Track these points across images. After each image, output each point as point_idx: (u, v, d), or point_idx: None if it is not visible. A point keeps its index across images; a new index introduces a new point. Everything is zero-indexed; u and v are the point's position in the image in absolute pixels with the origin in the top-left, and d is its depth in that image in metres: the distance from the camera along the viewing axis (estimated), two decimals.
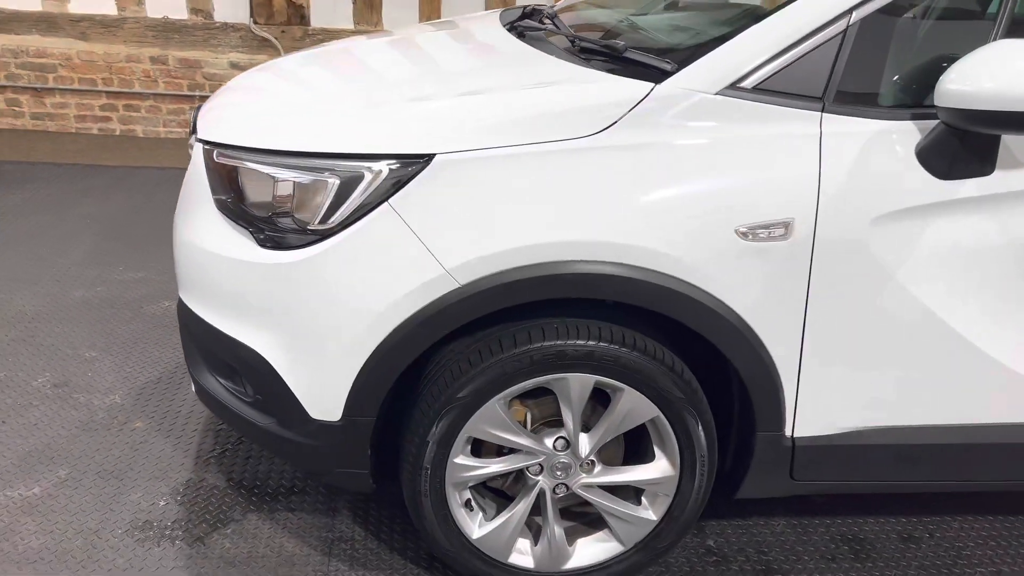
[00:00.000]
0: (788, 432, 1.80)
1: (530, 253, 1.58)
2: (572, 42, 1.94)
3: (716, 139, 1.61)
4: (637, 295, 1.61)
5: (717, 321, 1.65)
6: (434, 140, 1.60)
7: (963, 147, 1.60)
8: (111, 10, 5.71)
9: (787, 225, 1.60)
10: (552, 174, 1.59)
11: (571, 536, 1.94)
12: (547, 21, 2.17)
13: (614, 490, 1.89)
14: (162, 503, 2.13)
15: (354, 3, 5.71)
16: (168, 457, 2.31)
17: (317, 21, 5.68)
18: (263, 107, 1.90)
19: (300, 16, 5.63)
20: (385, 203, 1.59)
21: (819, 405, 1.78)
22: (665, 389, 1.71)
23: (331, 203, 1.61)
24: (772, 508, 2.26)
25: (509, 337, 1.68)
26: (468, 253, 1.57)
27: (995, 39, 1.60)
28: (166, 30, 5.56)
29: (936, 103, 1.55)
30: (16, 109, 5.36)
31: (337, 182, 1.61)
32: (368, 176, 1.60)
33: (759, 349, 1.69)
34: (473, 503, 1.87)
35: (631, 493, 1.90)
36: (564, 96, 1.66)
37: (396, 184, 1.59)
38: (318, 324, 1.66)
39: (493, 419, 1.73)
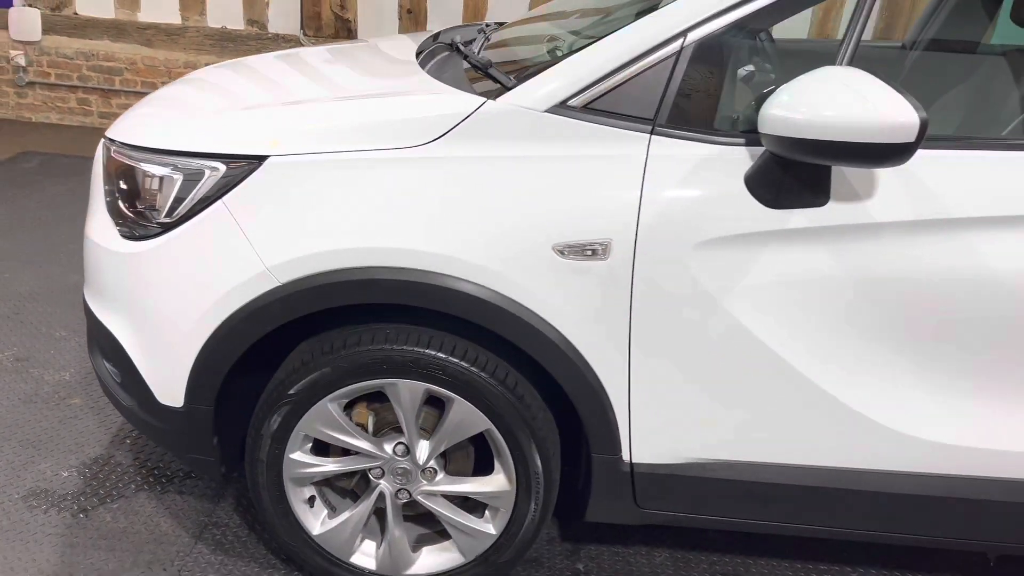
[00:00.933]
0: (626, 457, 1.77)
1: (346, 257, 1.62)
2: (465, 59, 1.98)
3: (538, 156, 1.61)
4: (454, 306, 1.63)
5: (538, 338, 1.64)
6: (268, 144, 1.67)
7: (790, 176, 1.55)
8: (175, 19, 6.07)
9: (605, 246, 1.59)
10: (376, 181, 1.63)
11: (422, 543, 1.96)
12: (475, 38, 2.21)
13: (463, 501, 1.90)
14: (64, 474, 2.27)
15: (399, 17, 5.88)
16: (90, 433, 2.45)
17: (364, 33, 5.88)
18: (155, 110, 2.01)
19: (347, 29, 5.84)
20: (220, 200, 1.67)
21: (656, 432, 1.74)
22: (494, 403, 1.72)
23: (175, 198, 1.70)
24: (658, 538, 2.20)
25: (340, 339, 1.73)
26: (288, 253, 1.63)
27: (842, 62, 1.55)
28: (223, 39, 5.88)
29: (759, 130, 1.51)
30: (86, 108, 5.77)
31: (181, 178, 1.70)
32: (207, 173, 1.68)
33: (584, 369, 1.67)
34: (319, 500, 1.92)
35: (480, 505, 1.90)
36: (398, 106, 1.70)
37: (232, 183, 1.66)
38: (160, 312, 1.75)
39: (326, 419, 1.78)
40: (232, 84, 2.08)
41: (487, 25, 2.47)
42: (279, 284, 1.64)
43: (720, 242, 1.58)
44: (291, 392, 1.74)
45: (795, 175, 1.54)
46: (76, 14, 6.19)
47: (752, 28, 1.63)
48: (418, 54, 2.10)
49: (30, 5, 6.03)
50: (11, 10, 5.77)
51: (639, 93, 1.60)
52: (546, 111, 1.62)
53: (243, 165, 1.66)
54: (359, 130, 1.66)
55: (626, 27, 1.63)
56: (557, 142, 1.61)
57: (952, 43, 2.59)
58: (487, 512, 1.89)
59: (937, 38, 2.67)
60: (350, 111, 1.71)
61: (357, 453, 1.83)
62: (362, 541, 1.94)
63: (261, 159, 1.66)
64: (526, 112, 1.63)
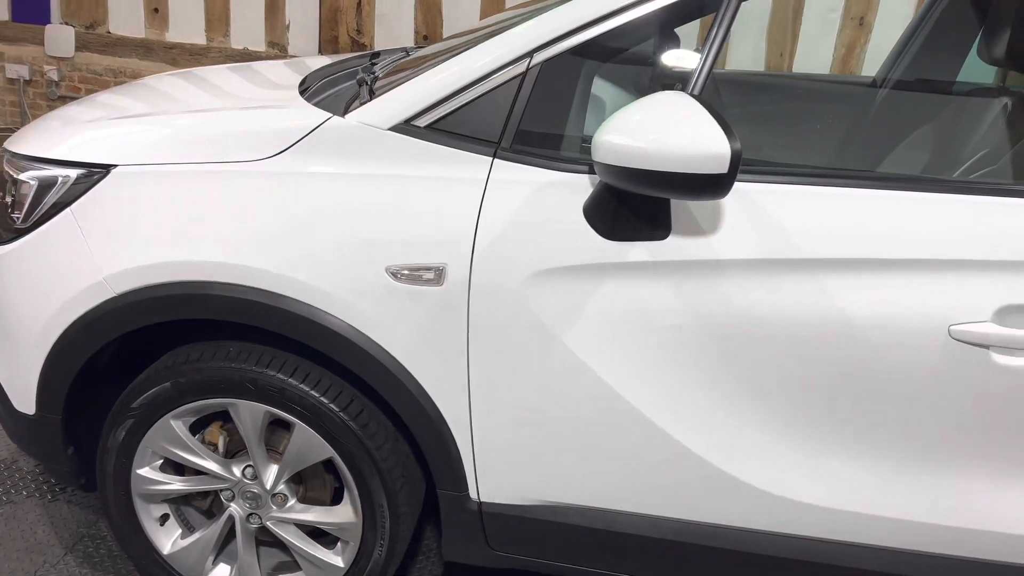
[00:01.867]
0: (473, 495, 1.68)
1: (179, 270, 1.58)
2: (351, 76, 1.94)
3: (377, 174, 1.55)
4: (284, 326, 1.58)
5: (372, 364, 1.58)
6: (117, 152, 1.65)
7: (626, 206, 1.46)
8: (200, 39, 6.23)
9: (440, 271, 1.52)
10: (214, 194, 1.59)
11: (282, 571, 1.90)
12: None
13: (318, 531, 1.84)
14: None
15: (415, 42, 5.93)
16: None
17: None
18: (48, 120, 2.02)
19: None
20: (68, 208, 1.66)
21: (503, 471, 1.65)
22: (334, 430, 1.66)
23: (31, 203, 1.70)
24: None
25: (185, 354, 1.69)
26: (125, 263, 1.61)
27: (692, 91, 1.46)
28: (244, 60, 6.00)
29: (592, 156, 1.42)
30: None
31: (36, 184, 1.69)
32: (60, 181, 1.67)
33: (423, 401, 1.60)
34: (174, 518, 1.87)
35: (336, 537, 1.83)
36: (243, 119, 1.68)
37: (81, 191, 1.65)
38: (12, 317, 1.74)
39: (170, 436, 1.74)
40: (132, 95, 2.08)
41: (417, 46, 2.43)
42: (114, 295, 1.62)
43: (557, 273, 1.50)
44: (134, 406, 1.71)
45: (631, 206, 1.45)
46: (109, 32, 6.41)
47: (602, 51, 1.56)
48: (319, 73, 2.07)
49: (66, 23, 6.27)
50: (48, 27, 6.02)
51: (483, 115, 1.54)
52: (389, 129, 1.57)
53: (92, 173, 1.65)
54: (206, 142, 1.63)
55: (475, 47, 1.57)
56: (398, 161, 1.56)
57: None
58: (339, 544, 1.81)
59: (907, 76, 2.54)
60: (200, 123, 1.69)
61: (203, 473, 1.79)
62: (215, 564, 1.88)
63: (109, 168, 1.64)
64: (369, 130, 1.58)
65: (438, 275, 1.52)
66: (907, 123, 2.34)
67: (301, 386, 1.64)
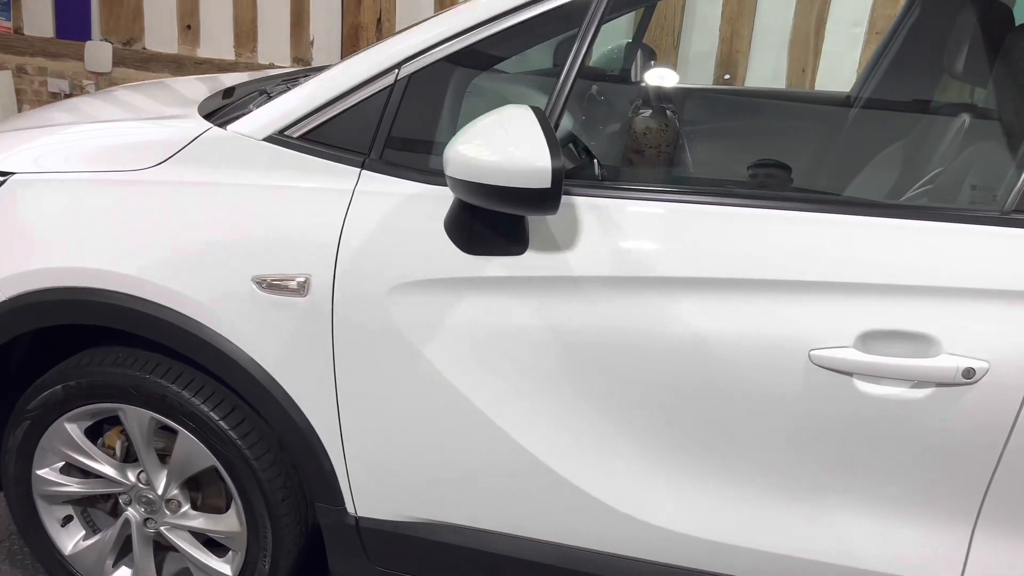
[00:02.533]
0: (351, 510, 1.67)
1: (59, 276, 1.62)
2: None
3: (249, 183, 1.56)
4: (155, 332, 1.60)
5: (240, 372, 1.58)
6: (14, 161, 1.70)
7: (480, 220, 1.43)
8: (230, 55, 6.41)
9: (304, 282, 1.52)
10: (97, 203, 1.63)
11: None
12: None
13: (211, 539, 1.84)
14: None
15: None
16: None
17: None
18: None
19: None
20: None
21: (376, 485, 1.63)
22: (213, 438, 1.66)
23: None
24: None
25: (79, 359, 1.73)
26: (12, 268, 1.65)
27: (552, 106, 1.43)
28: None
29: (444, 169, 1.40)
30: None
31: None
32: None
33: (292, 412, 1.59)
34: (78, 520, 1.90)
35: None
36: (134, 131, 1.71)
37: None
38: None
39: (65, 439, 1.77)
40: (65, 107, 2.13)
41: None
42: (3, 300, 1.66)
43: (419, 286, 1.48)
44: (29, 408, 1.75)
45: (486, 220, 1.43)
46: (144, 49, 6.64)
47: (470, 64, 1.54)
48: (246, 87, 2.10)
49: (105, 40, 6.53)
50: (88, 44, 6.28)
51: (353, 126, 1.54)
52: (263, 140, 1.58)
53: None
54: (96, 153, 1.67)
55: (348, 59, 1.57)
56: (269, 171, 1.56)
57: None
58: (230, 553, 1.82)
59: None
60: (93, 134, 1.73)
61: (99, 477, 1.82)
62: (116, 568, 1.90)
63: (7, 175, 1.69)
64: (244, 140, 1.59)
65: (302, 286, 1.52)
66: (869, 141, 2.26)
67: (181, 393, 1.66)
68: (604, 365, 1.43)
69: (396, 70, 1.52)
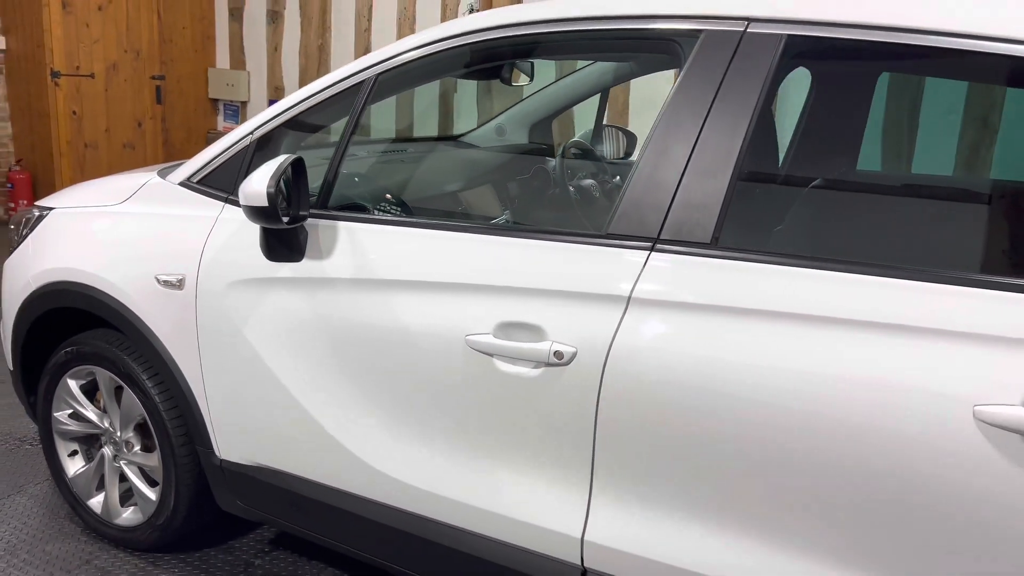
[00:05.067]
0: (217, 453, 2.27)
1: (60, 274, 2.42)
2: None
3: (162, 213, 2.28)
4: (104, 312, 2.33)
5: (148, 345, 2.27)
6: (56, 202, 2.57)
7: (273, 235, 2.01)
8: None
9: (181, 279, 2.19)
10: (85, 227, 2.43)
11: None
12: None
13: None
14: None
15: None
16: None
17: None
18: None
19: None
20: (31, 233, 2.59)
21: (229, 435, 2.22)
22: (143, 395, 2.35)
23: (24, 228, 2.66)
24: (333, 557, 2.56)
25: (77, 336, 2.51)
26: (41, 268, 2.48)
27: (339, 153, 2.02)
28: None
29: None
30: None
31: (29, 216, 2.65)
32: (36, 215, 2.61)
33: (177, 375, 2.25)
34: (81, 453, 2.66)
35: None
36: (118, 180, 2.51)
37: (38, 220, 2.58)
38: (6, 303, 2.69)
39: (68, 391, 2.55)
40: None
41: None
42: (34, 288, 2.50)
43: (242, 283, 2.09)
44: (48, 366, 2.56)
45: (276, 235, 2.01)
46: None
47: (298, 128, 2.16)
48: None
49: None
50: None
51: (225, 174, 2.21)
52: (178, 184, 2.30)
53: (44, 211, 2.58)
54: (96, 193, 2.49)
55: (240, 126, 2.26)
56: (175, 205, 2.27)
57: None
58: (158, 486, 2.48)
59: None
60: (100, 183, 2.56)
61: (88, 420, 2.57)
62: (98, 491, 2.63)
63: (51, 209, 2.56)
64: (168, 185, 2.32)
65: (180, 282, 2.19)
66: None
67: (126, 359, 2.37)
68: (349, 344, 1.94)
69: (251, 134, 2.18)
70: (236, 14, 7.09)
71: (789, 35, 1.60)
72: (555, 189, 2.45)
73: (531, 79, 2.72)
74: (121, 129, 6.71)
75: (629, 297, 1.63)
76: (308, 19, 6.68)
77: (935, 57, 1.63)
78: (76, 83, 6.39)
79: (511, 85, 2.60)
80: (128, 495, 2.59)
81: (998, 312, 1.35)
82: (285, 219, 1.91)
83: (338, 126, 2.11)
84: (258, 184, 1.85)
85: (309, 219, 1.99)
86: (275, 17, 6.85)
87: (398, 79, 2.05)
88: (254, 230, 2.08)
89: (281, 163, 1.89)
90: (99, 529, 2.61)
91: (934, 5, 1.49)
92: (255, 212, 1.88)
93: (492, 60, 2.22)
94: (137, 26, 6.69)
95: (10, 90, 6.64)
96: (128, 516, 2.57)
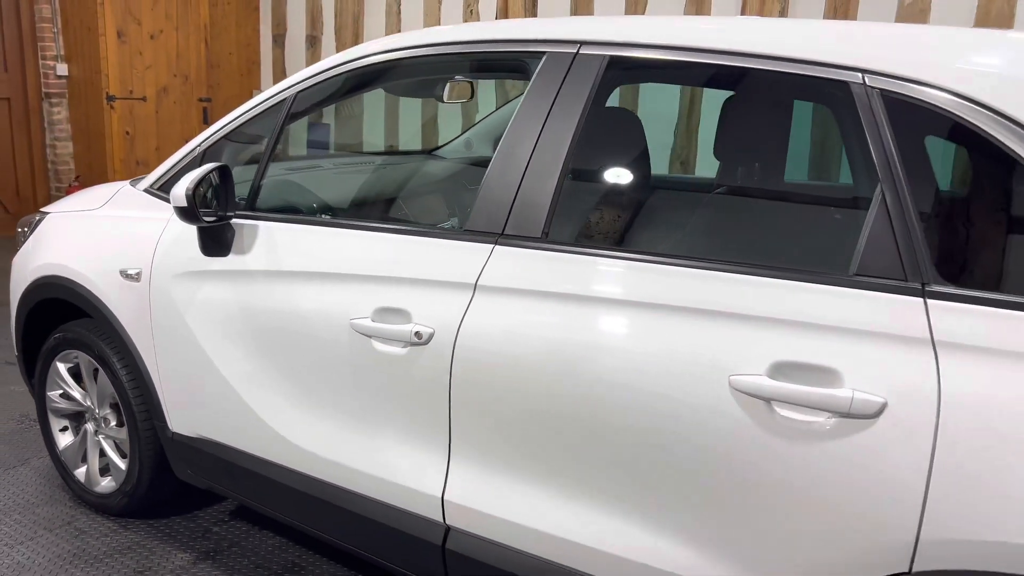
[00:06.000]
0: (170, 426, 2.57)
1: (50, 268, 2.78)
2: None
3: (128, 216, 2.62)
4: (80, 302, 2.68)
5: (113, 330, 2.60)
6: (53, 208, 2.94)
7: (205, 233, 2.31)
8: None
9: (138, 273, 2.51)
10: (70, 227, 2.79)
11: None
12: None
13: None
14: None
15: None
16: None
17: None
18: None
19: None
20: (31, 235, 2.97)
21: (178, 410, 2.53)
22: (114, 377, 2.69)
23: (30, 229, 3.05)
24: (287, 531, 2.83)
25: (65, 325, 2.87)
26: (37, 263, 2.85)
27: (264, 162, 2.32)
28: None
29: None
30: None
31: (33, 219, 3.04)
32: (37, 218, 3.00)
33: (137, 357, 2.57)
34: (71, 429, 3.01)
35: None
36: (101, 189, 2.86)
37: (38, 223, 2.96)
38: (13, 296, 3.07)
39: (56, 373, 2.91)
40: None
41: None
42: (30, 282, 2.86)
43: (183, 276, 2.40)
44: (42, 350, 2.92)
45: (206, 233, 2.31)
46: None
47: (237, 139, 2.46)
48: None
49: None
50: None
51: (177, 180, 2.53)
52: (143, 190, 2.63)
53: (43, 215, 2.96)
54: (83, 200, 2.85)
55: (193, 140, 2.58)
56: (137, 209, 2.61)
57: None
58: (127, 458, 2.80)
59: None
60: (89, 191, 2.92)
61: (73, 400, 2.92)
62: (83, 463, 2.97)
63: (47, 214, 2.94)
64: (135, 191, 2.66)
65: (138, 275, 2.51)
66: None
67: (101, 344, 2.71)
68: (263, 329, 2.22)
69: (200, 145, 2.49)
70: (279, 40, 7.57)
71: (611, 55, 1.82)
72: (436, 192, 2.70)
73: (471, 97, 2.98)
74: (170, 147, 7.23)
75: (475, 284, 1.86)
76: (343, 43, 7.10)
77: (706, 70, 1.83)
78: (129, 106, 6.93)
79: (443, 102, 2.86)
80: (108, 467, 2.92)
81: (749, 295, 1.54)
82: (211, 219, 2.22)
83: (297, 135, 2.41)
84: (180, 188, 2.15)
85: (235, 219, 2.29)
86: (313, 42, 7.30)
87: (313, 96, 2.33)
88: (194, 229, 2.39)
89: (204, 170, 2.19)
90: (82, 496, 2.96)
91: (711, 32, 1.71)
92: (180, 211, 2.18)
93: (384, 79, 2.50)
94: (186, 53, 7.23)
95: (72, 113, 7.24)
96: (105, 484, 2.90)
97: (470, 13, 6.42)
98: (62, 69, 7.07)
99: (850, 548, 1.44)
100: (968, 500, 1.33)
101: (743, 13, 5.36)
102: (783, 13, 5.27)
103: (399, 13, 6.71)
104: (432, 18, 6.49)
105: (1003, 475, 1.30)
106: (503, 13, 6.31)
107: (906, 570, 1.39)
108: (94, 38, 6.72)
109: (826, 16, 5.25)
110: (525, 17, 5.88)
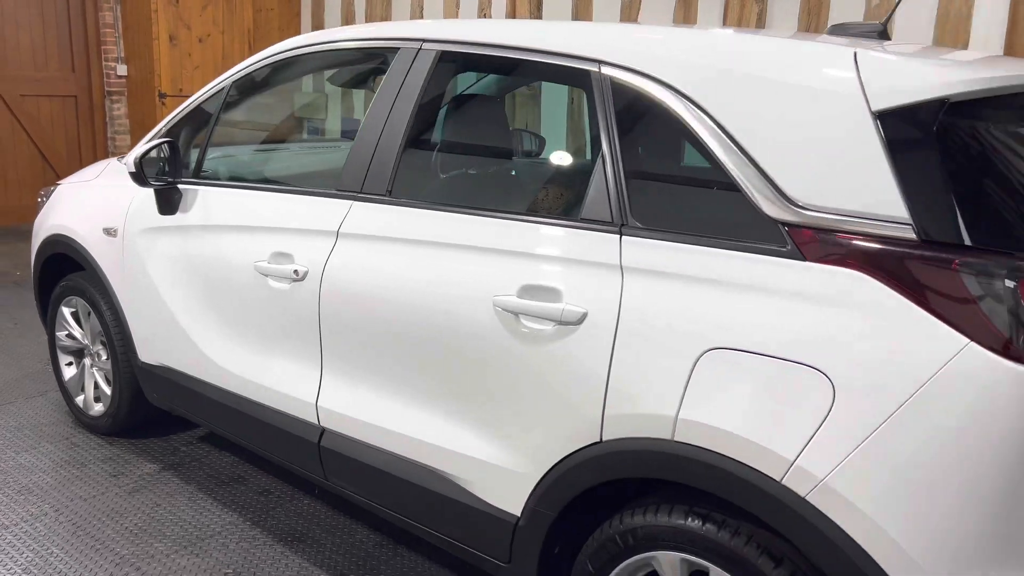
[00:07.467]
0: (140, 356, 3.14)
1: (56, 228, 3.39)
2: None
3: (110, 184, 3.21)
4: (75, 255, 3.27)
5: (98, 278, 3.18)
6: (65, 179, 3.56)
7: (158, 195, 2.87)
8: None
9: (115, 229, 3.09)
10: (72, 195, 3.39)
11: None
12: None
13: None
14: None
15: None
16: None
17: None
18: None
19: None
20: (49, 198, 3.60)
21: (144, 343, 3.09)
22: (102, 315, 3.28)
23: (47, 194, 3.68)
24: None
25: (66, 279, 3.49)
26: (46, 224, 3.47)
27: (206, 137, 2.86)
28: None
29: None
30: None
31: (52, 189, 3.67)
32: (54, 188, 3.63)
33: (114, 299, 3.14)
34: (75, 363, 3.62)
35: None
36: (102, 163, 3.46)
37: (52, 191, 3.58)
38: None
39: (63, 316, 3.52)
40: None
41: None
42: (43, 239, 3.48)
43: (146, 231, 2.96)
44: (52, 298, 3.54)
45: (160, 195, 2.86)
46: None
47: (194, 122, 3.01)
48: None
49: None
50: None
51: (153, 157, 3.09)
52: (124, 163, 3.22)
53: (57, 185, 3.58)
54: (87, 172, 3.46)
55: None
56: (120, 177, 3.18)
57: None
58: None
59: None
60: (92, 166, 3.53)
61: (76, 338, 3.53)
62: (82, 391, 3.58)
63: (59, 184, 3.56)
64: (120, 165, 3.24)
65: (115, 232, 3.09)
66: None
67: (92, 291, 3.30)
68: (198, 272, 2.76)
69: (164, 126, 3.06)
70: None
71: (442, 50, 2.28)
72: (328, 163, 3.23)
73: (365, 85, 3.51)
74: None
75: (338, 231, 2.35)
76: None
77: (499, 61, 2.25)
78: (179, 103, 7.67)
79: (338, 86, 3.39)
80: (101, 397, 3.52)
81: (512, 234, 1.99)
82: (158, 184, 2.78)
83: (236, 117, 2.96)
84: (130, 157, 2.71)
85: (180, 184, 2.84)
86: None
87: (244, 85, 2.87)
88: (154, 193, 2.95)
89: (152, 144, 2.75)
90: (80, 418, 3.57)
91: (507, 32, 2.17)
92: (132, 176, 2.75)
93: (292, 70, 3.02)
94: (231, 55, 7.94)
95: (130, 109, 8.04)
96: (97, 409, 3.50)
97: (483, 16, 6.92)
98: (122, 70, 7.86)
99: (565, 424, 1.87)
100: (633, 385, 1.75)
101: (725, 14, 5.71)
102: (762, 15, 5.60)
103: (422, 15, 7.25)
104: None
105: (650, 363, 1.72)
106: (511, 14, 6.79)
107: (598, 439, 1.82)
108: (148, 41, 7.48)
109: (800, 16, 5.56)
110: (530, 18, 6.36)
